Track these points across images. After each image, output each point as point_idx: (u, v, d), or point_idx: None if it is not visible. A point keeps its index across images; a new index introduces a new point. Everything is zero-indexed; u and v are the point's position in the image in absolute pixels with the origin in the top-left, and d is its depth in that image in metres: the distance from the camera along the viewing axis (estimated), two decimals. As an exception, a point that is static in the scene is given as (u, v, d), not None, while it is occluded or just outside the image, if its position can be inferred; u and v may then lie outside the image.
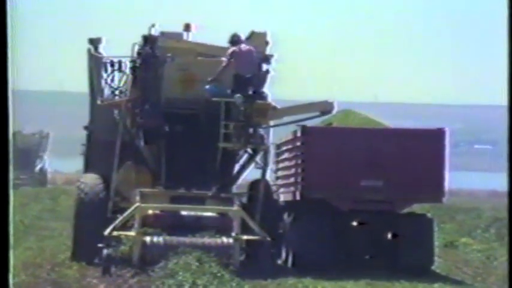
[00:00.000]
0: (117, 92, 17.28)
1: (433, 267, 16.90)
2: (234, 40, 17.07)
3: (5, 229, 6.21)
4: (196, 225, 15.76)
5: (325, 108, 17.56)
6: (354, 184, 16.55)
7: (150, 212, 15.96)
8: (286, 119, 17.79)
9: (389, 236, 16.90)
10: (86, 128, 18.47)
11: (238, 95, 16.56)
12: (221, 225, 15.76)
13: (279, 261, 17.16)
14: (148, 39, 16.75)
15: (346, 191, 16.57)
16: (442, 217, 26.77)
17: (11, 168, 6.25)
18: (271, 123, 17.34)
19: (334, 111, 17.66)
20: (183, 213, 16.11)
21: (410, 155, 16.74)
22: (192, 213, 16.08)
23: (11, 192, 6.22)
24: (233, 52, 16.72)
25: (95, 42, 17.60)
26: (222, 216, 16.00)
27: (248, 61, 16.76)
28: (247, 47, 16.84)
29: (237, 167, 17.79)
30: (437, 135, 16.99)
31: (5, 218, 6.21)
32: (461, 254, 20.36)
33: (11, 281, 6.24)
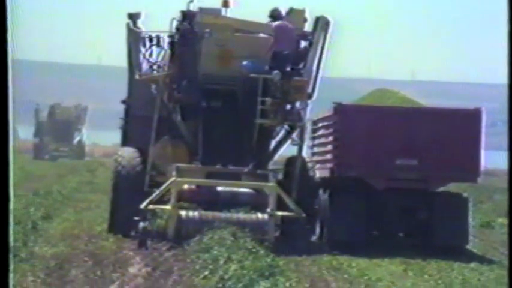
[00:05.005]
0: (155, 67, 17.35)
1: (469, 247, 16.85)
2: (275, 15, 17.05)
3: (5, 229, 6.25)
4: (232, 201, 15.83)
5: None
6: (388, 162, 16.53)
7: (186, 187, 16.06)
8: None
9: (423, 214, 16.88)
10: (123, 102, 18.60)
11: (276, 71, 16.55)
12: (257, 202, 15.81)
13: (314, 238, 17.20)
14: (186, 15, 16.78)
15: (380, 169, 16.56)
16: (479, 197, 26.61)
17: (11, 169, 6.28)
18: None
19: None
20: (219, 189, 16.19)
21: (446, 135, 16.67)
22: (228, 189, 16.15)
23: (11, 192, 6.26)
24: (277, 27, 16.71)
25: (134, 17, 17.66)
26: (258, 193, 16.06)
27: (289, 38, 16.77)
28: (289, 24, 16.84)
29: (273, 144, 17.81)
30: (474, 114, 16.88)
31: (5, 218, 6.24)
32: (498, 234, 20.25)
33: (11, 281, 6.30)
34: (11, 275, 6.34)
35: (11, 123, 6.32)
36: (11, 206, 6.27)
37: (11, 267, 6.36)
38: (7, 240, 6.27)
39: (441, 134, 16.68)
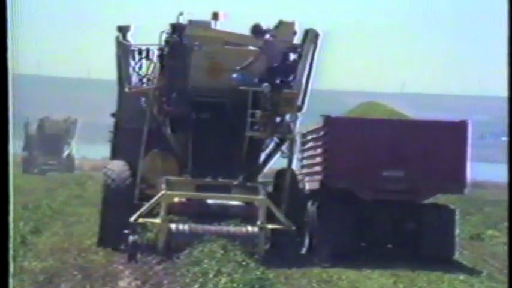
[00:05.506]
0: (144, 80, 17.36)
1: (459, 259, 16.88)
2: (257, 30, 17.11)
3: (5, 230, 6.22)
4: (222, 214, 15.83)
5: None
6: (375, 174, 16.65)
7: (176, 199, 16.05)
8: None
9: (411, 225, 16.95)
10: (113, 115, 18.58)
11: (265, 83, 16.60)
12: (247, 214, 15.81)
13: (303, 250, 17.18)
14: (176, 28, 16.81)
15: (368, 180, 16.66)
16: (468, 209, 26.64)
17: (11, 169, 6.25)
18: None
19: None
20: (209, 201, 16.18)
21: (432, 147, 16.83)
22: (218, 201, 16.15)
23: (11, 193, 6.23)
24: (266, 41, 16.81)
25: (123, 29, 17.67)
26: (248, 205, 16.06)
27: (277, 52, 16.85)
28: (277, 37, 16.93)
29: (263, 156, 17.83)
30: (460, 127, 17.03)
31: (5, 219, 6.21)
32: (488, 247, 20.28)
33: (11, 281, 6.27)
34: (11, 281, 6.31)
35: (10, 137, 6.31)
36: (11, 217, 6.25)
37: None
38: (7, 254, 6.25)
39: (428, 146, 16.83)
